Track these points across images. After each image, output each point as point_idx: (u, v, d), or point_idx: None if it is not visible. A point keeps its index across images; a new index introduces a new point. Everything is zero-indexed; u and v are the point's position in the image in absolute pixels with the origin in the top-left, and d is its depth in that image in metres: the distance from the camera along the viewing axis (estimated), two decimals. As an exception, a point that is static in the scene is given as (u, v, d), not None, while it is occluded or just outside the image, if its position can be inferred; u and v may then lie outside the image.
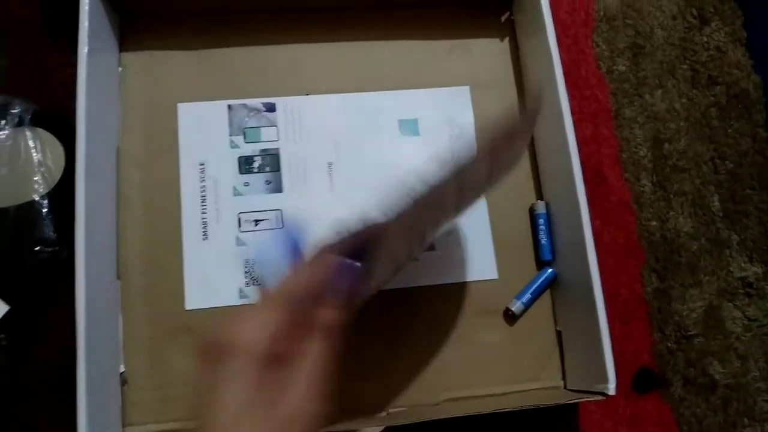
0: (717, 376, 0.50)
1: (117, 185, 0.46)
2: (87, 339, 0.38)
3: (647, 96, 0.54)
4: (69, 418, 0.37)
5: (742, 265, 0.52)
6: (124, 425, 0.43)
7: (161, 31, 0.49)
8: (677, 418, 0.49)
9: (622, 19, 0.55)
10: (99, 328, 0.41)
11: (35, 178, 0.44)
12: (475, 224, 0.48)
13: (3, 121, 0.44)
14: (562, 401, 0.43)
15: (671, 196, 0.52)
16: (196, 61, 0.49)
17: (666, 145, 0.53)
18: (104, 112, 0.45)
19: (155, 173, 0.47)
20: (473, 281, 0.48)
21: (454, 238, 0.48)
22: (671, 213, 0.52)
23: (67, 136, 0.46)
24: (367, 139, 0.49)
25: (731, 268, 0.51)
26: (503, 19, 0.52)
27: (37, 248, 0.43)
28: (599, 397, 0.41)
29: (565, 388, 0.47)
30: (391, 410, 0.45)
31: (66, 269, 0.44)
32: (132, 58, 0.49)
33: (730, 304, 0.51)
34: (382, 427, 0.41)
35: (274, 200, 0.47)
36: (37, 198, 0.44)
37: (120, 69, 0.48)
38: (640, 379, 0.49)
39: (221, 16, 0.50)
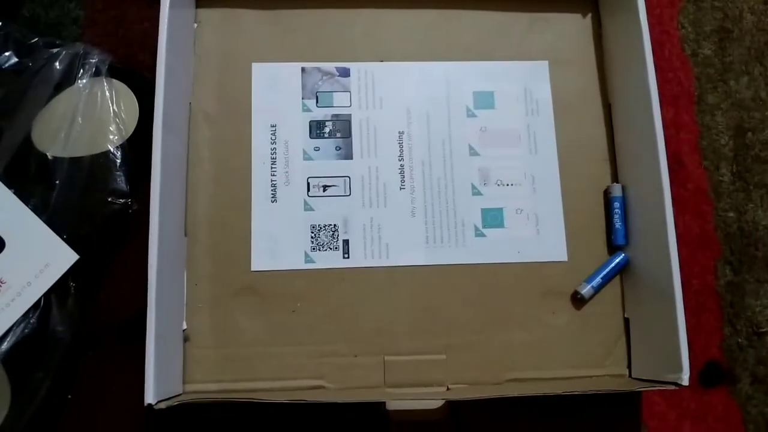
0: (787, 377, 0.48)
1: (188, 142, 0.46)
2: (158, 294, 0.38)
3: (732, 82, 0.52)
4: (135, 368, 0.37)
5: (822, 264, 0.49)
6: (184, 382, 0.43)
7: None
8: (744, 415, 0.47)
9: (711, 1, 0.53)
10: (167, 284, 0.41)
11: (110, 129, 0.44)
12: (546, 204, 0.47)
13: (81, 71, 0.44)
14: (630, 388, 0.42)
15: (751, 187, 0.50)
16: (271, 20, 0.48)
17: (749, 134, 0.51)
18: (180, 67, 0.45)
19: (226, 132, 0.46)
20: (542, 262, 0.46)
21: (524, 216, 0.47)
22: (750, 205, 0.50)
23: (140, 89, 0.46)
24: (440, 109, 0.48)
25: (810, 267, 0.49)
26: (587, -6, 0.50)
27: (109, 199, 0.43)
28: (670, 387, 0.40)
29: (629, 376, 0.45)
30: (451, 386, 0.44)
31: (135, 221, 0.45)
32: (207, 14, 0.48)
33: (806, 303, 0.49)
34: (442, 402, 0.40)
35: (343, 167, 0.46)
36: (111, 149, 0.44)
37: (195, 25, 0.48)
38: (707, 373, 0.47)
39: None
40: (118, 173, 0.43)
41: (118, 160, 0.44)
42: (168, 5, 0.42)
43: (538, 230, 0.47)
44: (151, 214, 0.39)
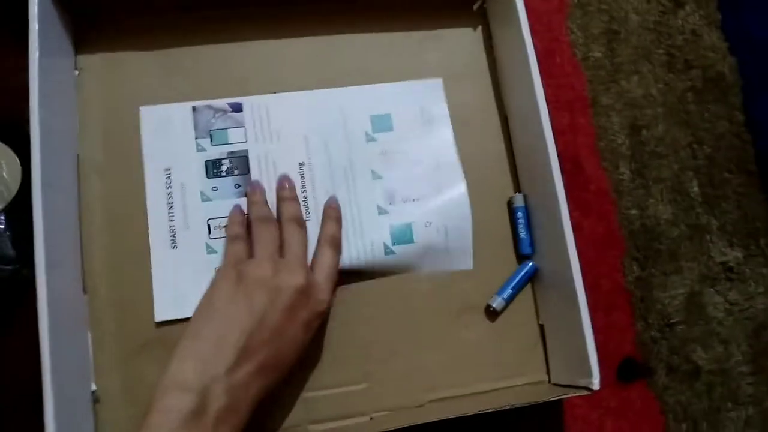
0: (700, 363, 0.49)
1: (78, 195, 0.44)
2: (53, 359, 0.37)
3: (623, 82, 0.53)
4: (39, 441, 0.35)
5: (723, 249, 0.51)
6: (98, 445, 0.42)
7: (118, 31, 0.47)
8: (662, 406, 0.48)
9: (597, 4, 0.54)
10: (66, 347, 0.39)
11: (-10, 193, 0.42)
12: (454, 215, 0.47)
13: (-48, 133, 0.42)
14: (547, 398, 0.42)
15: (650, 183, 0.52)
16: (157, 61, 0.47)
17: (644, 131, 0.52)
18: (61, 118, 0.43)
19: (118, 181, 0.45)
20: (452, 271, 0.46)
21: (434, 229, 0.47)
22: (650, 200, 0.51)
23: (22, 147, 0.44)
24: (339, 136, 0.47)
25: (712, 254, 0.51)
26: (475, 7, 0.51)
27: (-5, 266, 0.41)
28: (583, 392, 0.41)
29: (549, 382, 0.46)
30: (374, 415, 0.44)
31: (28, 287, 0.42)
32: (88, 60, 0.46)
33: (711, 289, 0.51)
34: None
35: (243, 205, 0.45)
36: (-8, 213, 0.42)
37: (76, 72, 0.46)
38: (624, 369, 0.49)
39: (181, 14, 0.47)
40: (2, 239, 0.41)
41: (2, 225, 0.42)
42: (37, 56, 0.40)
43: (447, 241, 0.47)
44: (37, 275, 0.37)
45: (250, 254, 0.41)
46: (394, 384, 0.45)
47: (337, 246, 0.44)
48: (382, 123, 0.48)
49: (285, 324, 0.37)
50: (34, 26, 0.40)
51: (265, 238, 0.41)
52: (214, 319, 0.37)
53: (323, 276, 0.41)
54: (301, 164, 0.47)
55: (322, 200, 0.46)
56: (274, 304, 0.37)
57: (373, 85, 0.49)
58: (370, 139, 0.48)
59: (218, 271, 0.41)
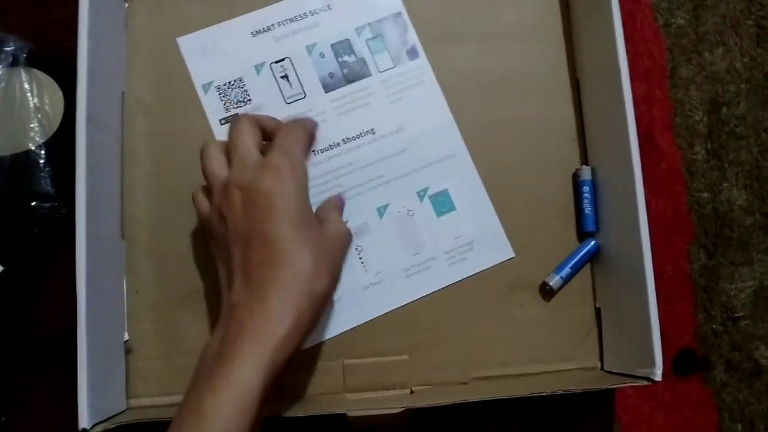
0: (763, 362, 0.46)
1: (122, 135, 0.42)
2: (88, 304, 0.35)
3: (706, 54, 0.49)
4: (69, 386, 0.34)
5: (798, 243, 0.48)
6: (128, 396, 0.40)
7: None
8: (718, 404, 0.46)
9: (684, -34, 0.49)
10: (101, 293, 0.37)
11: (31, 125, 0.40)
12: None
13: (-6, 60, 0.40)
14: (601, 386, 0.40)
15: (726, 165, 0.48)
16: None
17: (724, 109, 0.48)
18: (108, 52, 0.41)
19: (165, 122, 0.43)
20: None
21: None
22: (725, 184, 0.48)
23: (67, 80, 0.42)
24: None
25: (786, 246, 0.47)
26: (552, -39, 0.47)
27: (33, 203, 0.39)
28: (642, 383, 0.38)
29: (602, 369, 0.43)
30: (415, 388, 0.42)
31: (65, 226, 0.41)
32: (139, -8, 0.44)
33: (782, 284, 0.47)
34: (401, 409, 0.38)
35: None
36: (33, 147, 0.40)
37: (126, 5, 0.43)
38: (681, 362, 0.46)
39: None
40: (42, 174, 0.40)
41: (42, 160, 0.40)
42: (89, -17, 0.38)
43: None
44: (77, 217, 0.36)
45: None
46: (437, 358, 0.42)
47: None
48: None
49: None
50: (85, -48, 0.37)
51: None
52: None
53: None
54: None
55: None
56: None
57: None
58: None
59: None
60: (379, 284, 0.43)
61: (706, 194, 0.47)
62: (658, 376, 0.37)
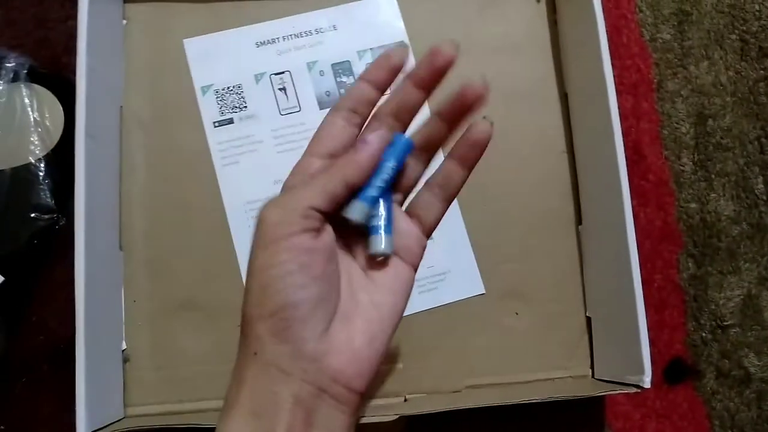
0: (752, 369, 0.47)
1: (120, 148, 0.43)
2: (87, 313, 0.36)
3: (692, 68, 0.50)
4: (67, 394, 0.34)
5: (785, 252, 0.48)
6: (125, 405, 0.41)
7: (168, -19, 0.45)
8: (709, 411, 0.46)
9: (669, -17, 0.51)
10: (100, 303, 0.38)
11: (31, 139, 0.41)
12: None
13: (-4, 76, 0.41)
14: (592, 393, 0.41)
15: (713, 176, 0.49)
16: (206, 14, 0.45)
17: (710, 121, 0.49)
18: (107, 68, 0.42)
19: (162, 136, 0.44)
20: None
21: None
22: (712, 195, 0.48)
23: (66, 95, 0.42)
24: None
25: (773, 255, 0.48)
26: (541, -22, 0.48)
27: (33, 215, 0.40)
28: (632, 390, 0.39)
29: (593, 377, 0.44)
30: (409, 396, 0.42)
31: (64, 238, 0.42)
32: (136, 10, 0.45)
33: (770, 293, 0.48)
34: (395, 416, 0.38)
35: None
36: (33, 161, 0.41)
37: (124, 22, 0.45)
38: (671, 370, 0.46)
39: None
40: (41, 187, 0.40)
41: (41, 173, 0.41)
42: (87, 1, 0.39)
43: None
44: (76, 228, 0.36)
45: None
46: (431, 367, 0.43)
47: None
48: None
49: None
50: (85, -30, 0.39)
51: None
52: None
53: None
54: None
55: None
56: None
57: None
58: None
59: None
60: None
61: (693, 205, 0.48)
62: (647, 383, 0.38)
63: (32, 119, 0.41)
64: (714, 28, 0.51)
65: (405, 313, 0.42)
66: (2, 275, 0.40)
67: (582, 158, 0.45)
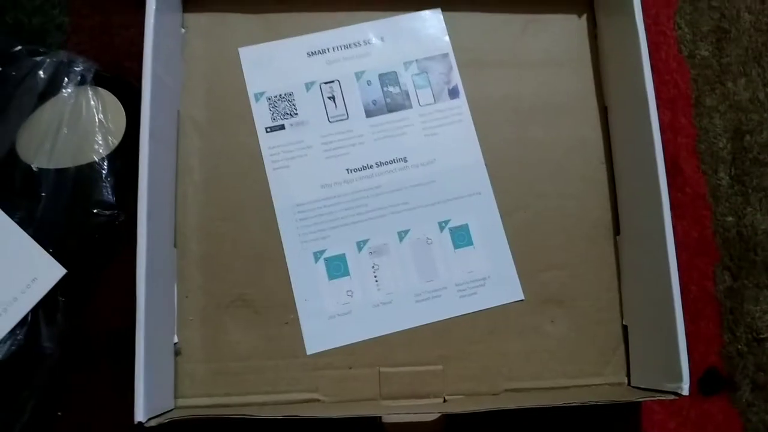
0: (788, 383, 0.47)
1: (177, 150, 0.45)
2: (147, 308, 0.37)
3: (730, 84, 0.51)
4: (123, 382, 0.36)
5: (822, 267, 0.49)
6: (175, 397, 0.42)
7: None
8: (744, 423, 0.46)
9: (708, 1, 0.52)
10: (156, 296, 0.40)
11: (96, 139, 0.43)
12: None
13: (66, 79, 0.43)
14: (630, 399, 0.41)
15: (750, 191, 0.49)
16: (262, 24, 0.47)
17: (747, 137, 0.50)
18: (167, 74, 0.44)
19: (216, 139, 0.45)
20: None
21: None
22: (749, 209, 0.49)
23: (128, 98, 0.45)
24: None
25: (809, 271, 0.49)
26: (582, -6, 0.50)
27: (95, 211, 0.42)
28: (670, 397, 0.39)
29: (629, 384, 0.45)
30: (448, 397, 0.43)
31: (122, 234, 0.44)
32: (195, 19, 0.47)
33: (806, 308, 0.48)
34: (438, 415, 0.39)
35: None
36: (96, 160, 0.43)
37: (183, 30, 0.47)
38: (707, 381, 0.47)
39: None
40: (104, 184, 0.42)
41: (104, 171, 0.43)
42: (154, 10, 0.41)
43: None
44: (138, 225, 0.38)
45: None
46: (470, 369, 0.44)
47: None
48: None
49: None
50: (151, -18, 0.41)
51: None
52: None
53: None
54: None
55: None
56: None
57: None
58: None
59: None
60: (389, 304, 0.44)
61: (730, 218, 0.49)
62: (685, 390, 0.38)
63: (97, 120, 0.43)
64: (752, 45, 0.52)
65: (446, 316, 0.44)
66: (66, 268, 0.42)
67: (621, 170, 0.46)
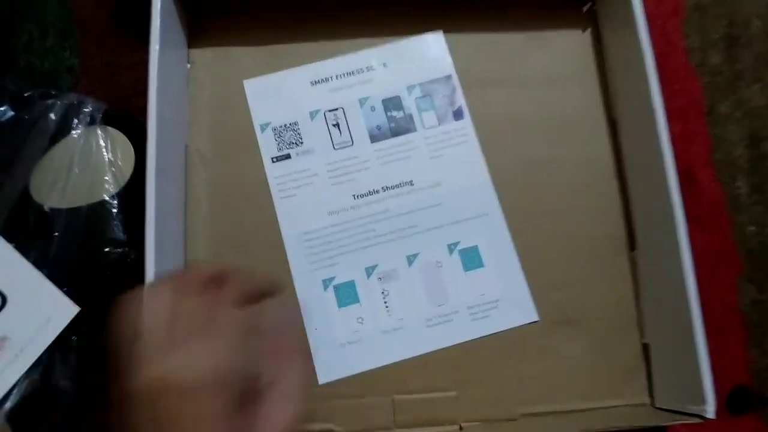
0: (822, 399, 0.45)
1: (185, 184, 0.46)
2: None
3: (743, 91, 0.49)
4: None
5: None
6: (190, 430, 0.42)
7: (228, 28, 0.48)
8: (777, 442, 0.44)
9: (715, 9, 0.51)
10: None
11: (106, 178, 0.44)
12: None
13: (76, 120, 0.44)
14: (652, 423, 0.40)
15: (770, 200, 0.48)
16: (267, 57, 0.48)
17: (764, 144, 0.49)
18: (174, 109, 0.44)
19: (223, 174, 0.46)
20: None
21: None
22: (771, 218, 0.48)
23: (136, 135, 0.45)
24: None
25: (839, 280, 0.47)
26: (585, 9, 0.49)
27: (106, 249, 0.43)
28: (695, 420, 0.38)
29: (652, 405, 0.43)
30: (464, 424, 0.42)
31: (134, 271, 0.44)
32: (200, 54, 0.48)
33: (837, 319, 0.46)
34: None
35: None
36: (107, 198, 0.44)
37: (188, 66, 0.48)
38: (735, 399, 0.45)
39: (290, 12, 0.48)
40: (115, 222, 0.43)
41: (115, 209, 0.43)
42: (158, 47, 0.41)
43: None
44: (146, 262, 0.38)
45: None
46: (485, 394, 0.43)
47: None
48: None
49: None
50: (156, 22, 0.41)
51: None
52: None
53: None
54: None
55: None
56: None
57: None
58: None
59: None
60: (400, 330, 0.44)
61: (752, 228, 0.48)
62: (710, 413, 0.37)
63: (106, 159, 0.44)
64: (764, 50, 0.50)
65: (459, 341, 0.43)
66: (79, 306, 0.42)
67: (633, 184, 0.45)
